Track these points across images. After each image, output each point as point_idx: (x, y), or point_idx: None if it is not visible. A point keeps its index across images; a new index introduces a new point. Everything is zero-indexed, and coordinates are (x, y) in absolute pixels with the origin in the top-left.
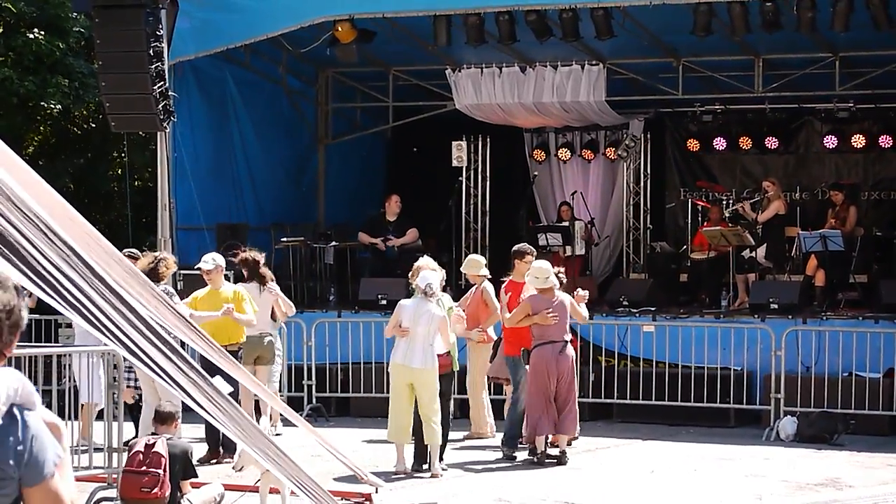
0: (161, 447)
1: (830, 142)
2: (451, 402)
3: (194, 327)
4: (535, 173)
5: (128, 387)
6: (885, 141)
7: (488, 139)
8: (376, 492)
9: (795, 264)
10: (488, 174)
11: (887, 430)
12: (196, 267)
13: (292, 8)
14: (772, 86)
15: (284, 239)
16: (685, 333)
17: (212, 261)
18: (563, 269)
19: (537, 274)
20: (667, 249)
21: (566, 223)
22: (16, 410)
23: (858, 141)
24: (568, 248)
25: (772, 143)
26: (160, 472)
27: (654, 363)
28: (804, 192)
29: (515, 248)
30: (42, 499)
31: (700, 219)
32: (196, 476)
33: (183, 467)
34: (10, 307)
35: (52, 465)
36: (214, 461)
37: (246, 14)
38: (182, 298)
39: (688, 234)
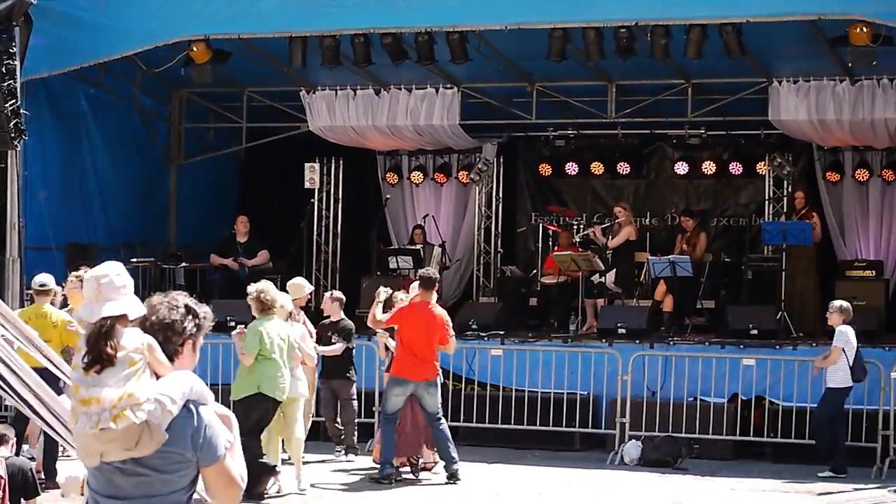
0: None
1: (681, 168)
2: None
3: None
4: (388, 196)
5: None
6: (735, 168)
7: (341, 161)
8: None
9: (644, 289)
10: (340, 196)
11: (731, 455)
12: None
13: (147, 28)
14: (624, 112)
15: (134, 259)
16: (533, 357)
17: (37, 282)
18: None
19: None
20: (517, 273)
21: (418, 246)
22: (191, 405)
23: (709, 167)
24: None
25: (623, 168)
26: None
27: (500, 387)
28: (655, 217)
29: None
30: (217, 476)
31: (551, 243)
32: (38, 494)
33: (23, 486)
34: (171, 321)
35: (224, 448)
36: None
37: (101, 33)
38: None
39: (538, 258)
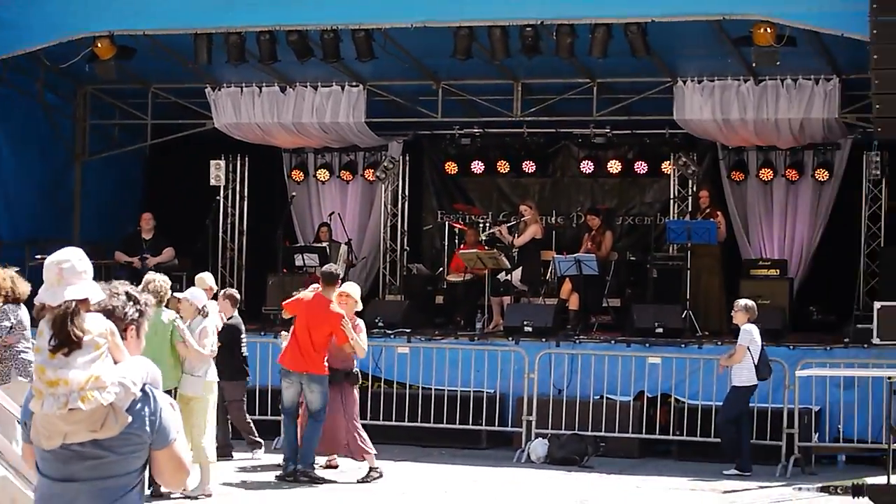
0: None
1: (587, 167)
2: None
3: None
4: (294, 193)
5: None
6: (640, 167)
7: (247, 159)
8: None
9: (550, 288)
10: (246, 194)
11: (637, 453)
12: None
13: (51, 23)
14: (530, 110)
15: (39, 256)
16: (439, 355)
17: None
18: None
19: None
20: (423, 271)
21: (324, 244)
22: (148, 389)
23: (614, 166)
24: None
25: (529, 167)
26: None
27: (407, 385)
28: (560, 216)
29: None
30: (168, 459)
31: (457, 241)
32: None
33: None
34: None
35: (175, 432)
36: None
37: (3, 29)
38: None
39: (444, 256)
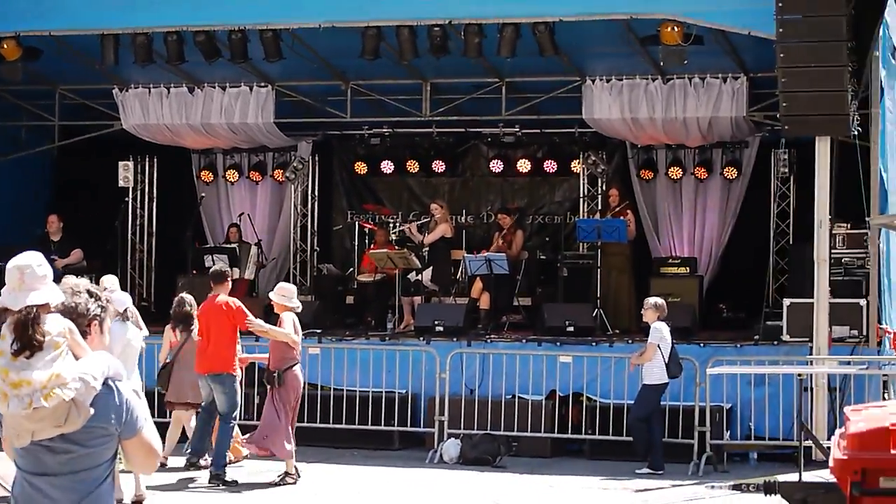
0: None
1: (497, 166)
2: None
3: None
4: (203, 194)
5: None
6: (549, 166)
7: (155, 159)
8: None
9: (461, 287)
10: (155, 195)
11: (549, 452)
12: None
13: None
14: (439, 110)
15: None
16: (350, 356)
17: None
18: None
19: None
20: (333, 271)
21: (234, 245)
22: (110, 382)
23: (524, 166)
24: (235, 270)
25: (439, 166)
26: None
27: (318, 386)
28: (471, 215)
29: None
30: (138, 447)
31: (367, 241)
32: None
33: None
34: (75, 304)
35: (143, 420)
36: None
37: None
38: None
39: (354, 256)
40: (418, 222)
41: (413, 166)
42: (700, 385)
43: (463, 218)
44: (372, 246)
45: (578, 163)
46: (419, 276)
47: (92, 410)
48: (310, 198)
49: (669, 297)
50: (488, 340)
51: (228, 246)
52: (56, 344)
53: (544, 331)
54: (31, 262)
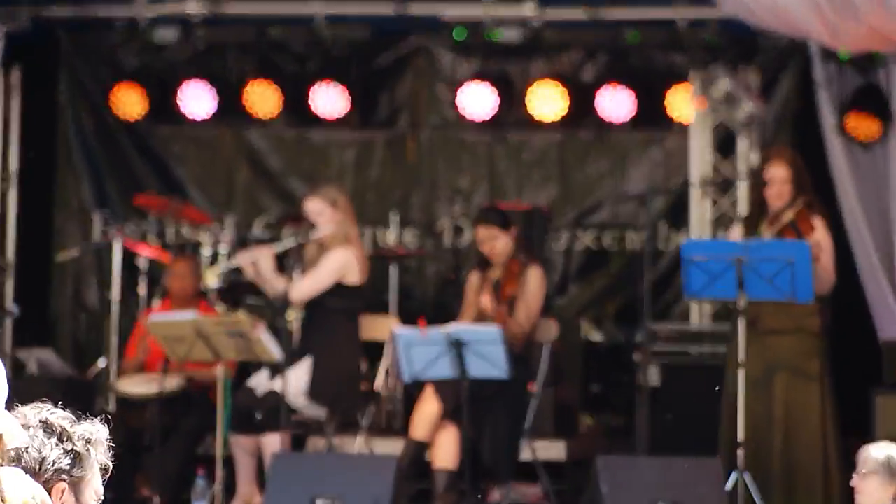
0: None
1: (477, 107)
2: None
3: None
4: None
5: None
6: (612, 106)
7: None
8: None
9: (386, 410)
10: None
11: None
12: None
13: None
14: None
15: None
16: None
17: None
18: None
19: None
20: (52, 365)
21: None
22: None
23: (548, 108)
24: None
25: (334, 106)
26: None
27: None
28: (412, 226)
29: None
30: None
31: (147, 293)
32: None
33: None
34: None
35: None
36: None
37: None
38: None
39: (110, 330)
40: (280, 245)
41: (268, 103)
42: None
43: (390, 232)
44: (159, 303)
45: (687, 95)
46: (277, 379)
47: None
48: None
49: None
50: None
51: None
52: None
53: None
54: None
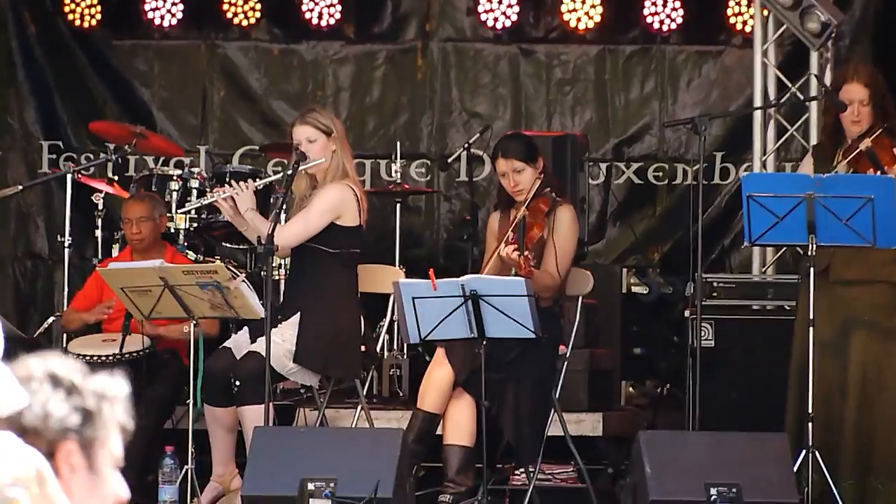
0: None
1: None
2: None
3: None
4: None
5: None
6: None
7: None
8: None
9: (390, 374)
10: None
11: None
12: None
13: None
14: None
15: None
16: None
17: None
18: None
19: None
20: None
21: None
22: None
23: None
24: None
25: (329, 15)
26: None
27: None
28: (418, 157)
29: None
30: None
31: (103, 237)
32: None
33: None
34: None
35: None
36: None
37: None
38: None
39: (62, 280)
40: (262, 180)
41: (248, 8)
42: None
43: (395, 165)
44: (116, 253)
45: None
46: (260, 340)
47: None
48: None
49: None
50: None
51: None
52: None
53: None
54: None
